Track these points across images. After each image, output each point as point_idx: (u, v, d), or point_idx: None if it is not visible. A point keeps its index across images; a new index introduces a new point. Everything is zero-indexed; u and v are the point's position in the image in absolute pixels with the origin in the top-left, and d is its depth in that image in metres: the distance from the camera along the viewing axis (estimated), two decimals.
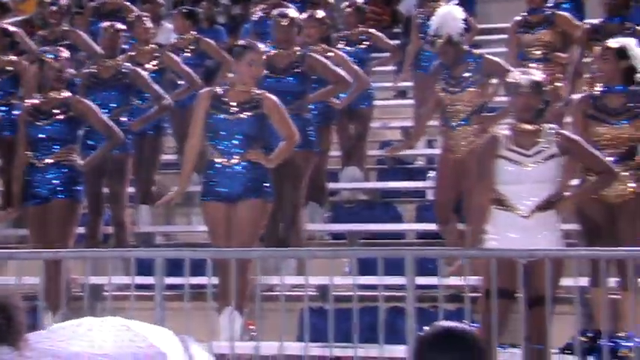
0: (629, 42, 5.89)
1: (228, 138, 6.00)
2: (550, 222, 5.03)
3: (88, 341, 3.46)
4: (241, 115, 6.00)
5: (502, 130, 5.19)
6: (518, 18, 7.90)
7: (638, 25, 7.37)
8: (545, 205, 4.99)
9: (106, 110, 7.00)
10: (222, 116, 6.02)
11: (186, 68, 8.05)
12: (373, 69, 9.49)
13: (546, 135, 5.07)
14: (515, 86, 5.07)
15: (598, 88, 6.04)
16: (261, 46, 6.20)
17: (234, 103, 6.03)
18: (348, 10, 8.97)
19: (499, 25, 9.79)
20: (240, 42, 6.49)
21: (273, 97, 6.11)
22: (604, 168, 5.16)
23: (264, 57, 6.12)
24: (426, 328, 2.77)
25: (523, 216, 4.99)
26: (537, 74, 5.14)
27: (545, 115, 5.13)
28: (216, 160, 6.03)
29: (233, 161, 5.99)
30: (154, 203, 8.13)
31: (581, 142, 5.17)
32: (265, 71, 6.82)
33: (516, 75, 5.15)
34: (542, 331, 4.85)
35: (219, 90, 6.17)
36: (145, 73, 7.50)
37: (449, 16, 6.55)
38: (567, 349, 5.38)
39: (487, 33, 10.46)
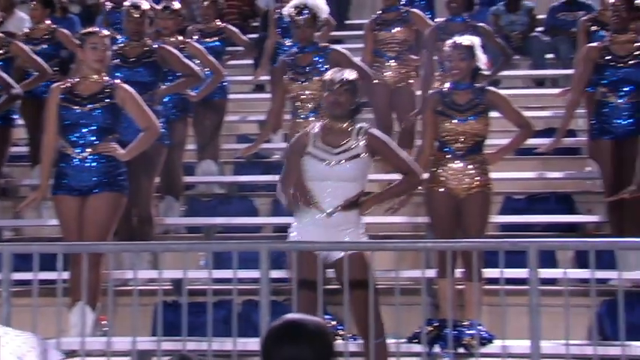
0: (476, 41, 6.10)
1: (80, 130, 5.91)
2: (352, 220, 5.06)
3: None
4: (93, 107, 5.92)
5: (313, 126, 5.24)
6: (375, 15, 8.06)
7: (479, 24, 7.66)
8: (347, 205, 5.02)
9: None
10: (74, 109, 5.93)
11: (36, 57, 7.84)
12: (231, 62, 9.53)
13: (356, 134, 5.10)
14: (326, 83, 5.15)
15: (446, 85, 6.24)
16: (105, 32, 6.13)
17: (86, 95, 5.95)
18: (206, 3, 8.95)
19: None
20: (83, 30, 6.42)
21: (127, 87, 6.05)
22: (408, 170, 5.19)
23: (107, 40, 6.04)
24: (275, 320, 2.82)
25: (327, 213, 5.01)
26: (351, 74, 5.20)
27: (357, 114, 5.17)
28: (68, 153, 5.93)
29: (85, 154, 5.90)
30: (3, 196, 7.95)
31: (388, 142, 5.22)
32: (117, 61, 6.77)
33: (330, 72, 5.23)
34: (377, 322, 4.92)
35: (70, 82, 6.07)
36: None
37: None
38: (415, 338, 5.55)
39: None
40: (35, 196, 6.15)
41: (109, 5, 8.86)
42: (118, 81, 6.10)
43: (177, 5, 8.05)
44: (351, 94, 5.08)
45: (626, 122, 6.63)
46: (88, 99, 5.94)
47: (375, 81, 7.37)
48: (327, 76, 5.17)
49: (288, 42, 8.66)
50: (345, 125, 5.10)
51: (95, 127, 5.92)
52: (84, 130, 5.91)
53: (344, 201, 5.02)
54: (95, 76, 5.98)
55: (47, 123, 6.02)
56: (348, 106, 5.08)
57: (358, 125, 5.13)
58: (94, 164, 5.90)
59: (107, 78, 6.05)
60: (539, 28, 10.75)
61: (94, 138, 5.91)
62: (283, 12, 6.98)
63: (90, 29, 6.28)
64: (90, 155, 5.90)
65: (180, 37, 7.88)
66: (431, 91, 6.39)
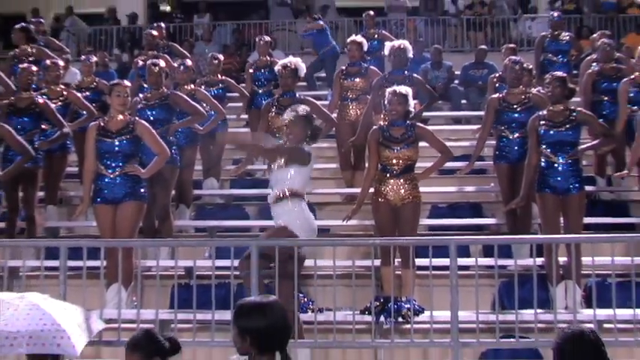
0: (409, 90, 6.16)
1: (112, 157, 6.00)
2: (285, 209, 5.21)
3: (3, 320, 3.30)
4: (120, 139, 6.00)
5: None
6: (343, 67, 8.16)
7: (414, 75, 7.79)
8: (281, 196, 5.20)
9: (22, 132, 6.78)
10: (106, 140, 6.01)
11: (86, 103, 7.84)
12: (229, 105, 9.53)
13: None
14: (288, 122, 5.25)
15: (385, 122, 6.29)
16: (127, 83, 6.22)
17: (114, 130, 6.03)
18: (215, 61, 8.98)
19: None
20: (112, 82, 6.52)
21: (144, 123, 6.17)
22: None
23: (128, 89, 6.14)
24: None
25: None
26: (302, 109, 5.29)
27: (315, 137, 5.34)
28: (104, 173, 6.01)
29: (116, 173, 5.97)
30: (60, 204, 7.91)
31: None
32: (141, 105, 6.86)
33: (286, 113, 5.32)
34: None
35: (103, 121, 6.13)
36: (52, 106, 7.26)
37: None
38: (366, 310, 5.57)
39: None
40: (81, 208, 6.16)
41: (140, 63, 8.87)
42: (137, 119, 6.19)
43: (189, 63, 8.12)
44: (302, 124, 5.22)
45: (517, 151, 6.73)
46: (116, 133, 6.01)
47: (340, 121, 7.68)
48: (285, 117, 5.31)
49: (260, 90, 8.78)
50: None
51: (122, 154, 5.99)
52: (114, 156, 5.98)
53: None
54: (120, 116, 6.06)
55: (87, 152, 6.10)
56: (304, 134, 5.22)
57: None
58: (122, 181, 5.95)
59: (129, 116, 6.13)
60: (456, 81, 10.92)
61: (122, 162, 5.97)
62: (275, 69, 7.11)
63: (116, 81, 6.38)
64: (119, 175, 5.93)
65: (192, 86, 7.91)
66: (374, 127, 6.42)
